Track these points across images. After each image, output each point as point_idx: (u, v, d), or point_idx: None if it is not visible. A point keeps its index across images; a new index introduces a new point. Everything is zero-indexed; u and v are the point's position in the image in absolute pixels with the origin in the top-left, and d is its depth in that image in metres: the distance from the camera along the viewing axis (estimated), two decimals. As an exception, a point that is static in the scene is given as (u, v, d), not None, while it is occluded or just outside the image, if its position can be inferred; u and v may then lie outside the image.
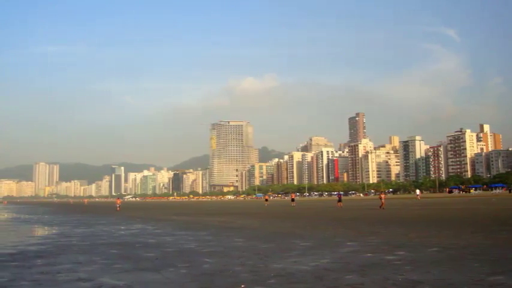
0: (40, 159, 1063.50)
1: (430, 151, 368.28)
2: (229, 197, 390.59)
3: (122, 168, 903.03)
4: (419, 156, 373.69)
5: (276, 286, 10.52)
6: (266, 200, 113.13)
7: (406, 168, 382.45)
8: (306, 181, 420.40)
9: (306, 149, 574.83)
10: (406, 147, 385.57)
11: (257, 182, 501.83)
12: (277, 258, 14.53)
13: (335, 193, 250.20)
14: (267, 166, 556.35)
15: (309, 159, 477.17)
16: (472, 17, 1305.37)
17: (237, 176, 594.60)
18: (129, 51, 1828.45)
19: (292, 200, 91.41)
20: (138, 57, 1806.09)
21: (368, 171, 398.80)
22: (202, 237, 22.83)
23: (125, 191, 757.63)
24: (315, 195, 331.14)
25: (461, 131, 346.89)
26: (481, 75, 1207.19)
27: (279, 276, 11.59)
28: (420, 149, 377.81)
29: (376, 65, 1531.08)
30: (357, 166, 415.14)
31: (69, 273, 12.68)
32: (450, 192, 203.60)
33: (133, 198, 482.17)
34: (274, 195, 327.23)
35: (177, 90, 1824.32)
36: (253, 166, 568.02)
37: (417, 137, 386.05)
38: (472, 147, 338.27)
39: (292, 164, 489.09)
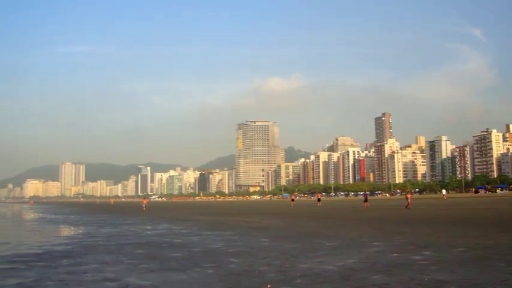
0: (66, 159, 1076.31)
1: (456, 151, 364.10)
2: (255, 197, 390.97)
3: (148, 168, 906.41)
4: (445, 156, 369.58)
5: (303, 286, 10.56)
6: (292, 200, 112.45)
7: (432, 168, 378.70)
8: (332, 181, 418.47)
9: (332, 149, 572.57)
10: (432, 147, 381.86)
11: (283, 182, 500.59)
12: (304, 258, 14.57)
13: (361, 193, 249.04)
14: (293, 166, 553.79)
15: (335, 159, 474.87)
16: (498, 17, 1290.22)
17: (263, 176, 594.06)
18: (156, 51, 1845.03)
19: (318, 200, 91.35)
20: (165, 57, 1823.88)
21: (394, 171, 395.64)
22: (228, 237, 22.91)
23: (151, 191, 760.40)
24: (341, 195, 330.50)
25: (487, 131, 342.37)
26: (508, 75, 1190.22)
27: (305, 276, 11.63)
28: (446, 149, 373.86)
29: (402, 64, 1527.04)
30: (383, 166, 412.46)
31: (95, 273, 12.82)
32: (476, 192, 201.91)
33: (160, 198, 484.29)
34: (300, 195, 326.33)
35: (204, 90, 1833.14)
36: (279, 166, 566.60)
37: (443, 137, 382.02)
38: (498, 147, 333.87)
39: (319, 164, 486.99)
